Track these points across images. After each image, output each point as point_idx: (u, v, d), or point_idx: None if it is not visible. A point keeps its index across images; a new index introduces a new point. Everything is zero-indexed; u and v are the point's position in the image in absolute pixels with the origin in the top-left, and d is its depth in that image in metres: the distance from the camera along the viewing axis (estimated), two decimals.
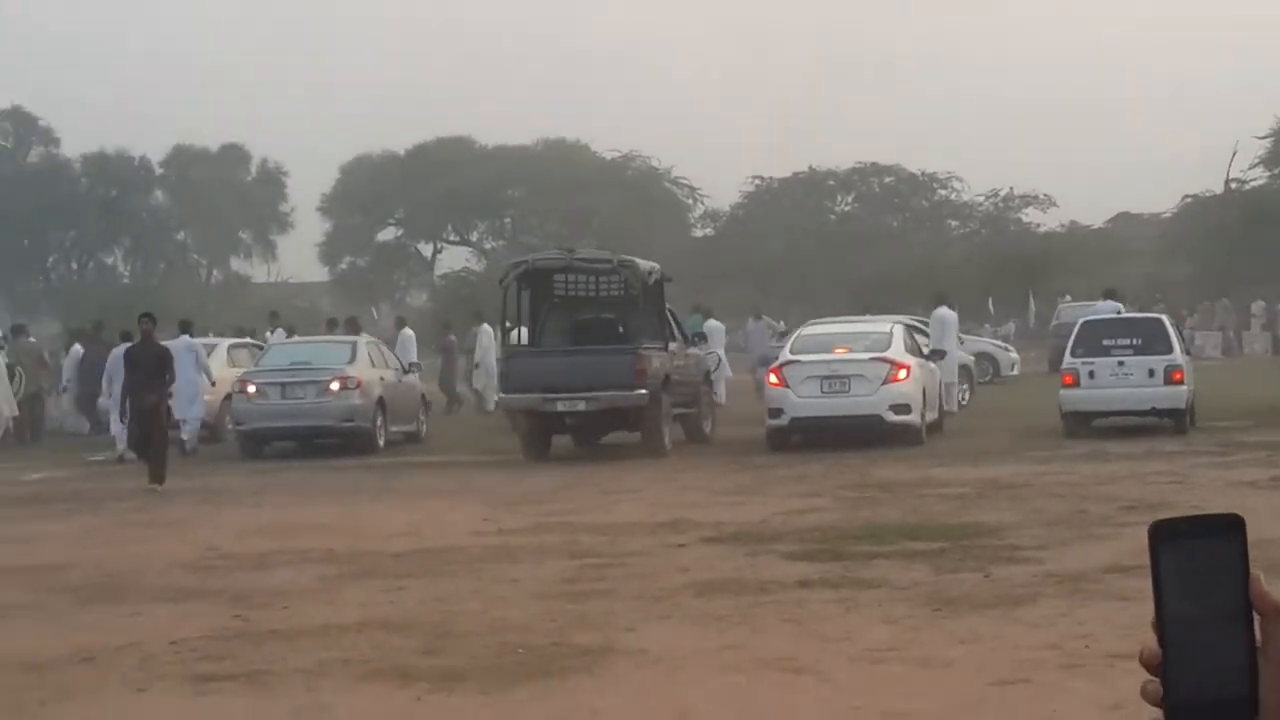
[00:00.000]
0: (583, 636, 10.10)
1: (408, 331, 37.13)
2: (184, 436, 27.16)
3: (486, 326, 36.18)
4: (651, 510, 16.80)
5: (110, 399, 26.68)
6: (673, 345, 25.21)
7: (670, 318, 26.08)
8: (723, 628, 10.32)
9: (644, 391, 22.89)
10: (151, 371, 21.09)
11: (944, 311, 30.46)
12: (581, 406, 23.29)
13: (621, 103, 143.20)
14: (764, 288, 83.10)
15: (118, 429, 25.43)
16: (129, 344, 23.27)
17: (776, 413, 23.51)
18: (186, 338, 28.12)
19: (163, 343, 22.86)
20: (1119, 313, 29.40)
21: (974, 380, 33.75)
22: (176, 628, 10.81)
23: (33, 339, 34.34)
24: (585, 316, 25.24)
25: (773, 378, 23.76)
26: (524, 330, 25.54)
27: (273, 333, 35.60)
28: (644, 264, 25.03)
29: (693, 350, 26.90)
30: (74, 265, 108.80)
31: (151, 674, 9.45)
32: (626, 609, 11.03)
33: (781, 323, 63.46)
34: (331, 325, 36.71)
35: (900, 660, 9.29)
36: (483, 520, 16.41)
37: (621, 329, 24.55)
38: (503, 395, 24.95)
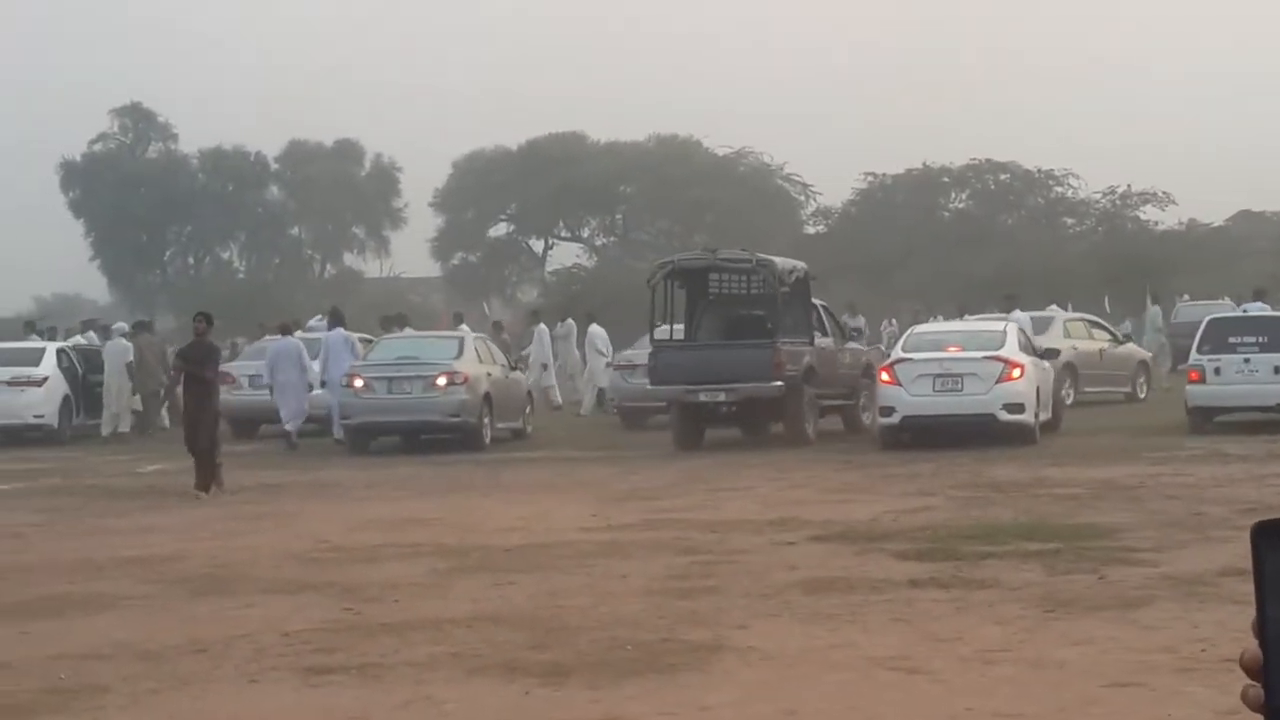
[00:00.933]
0: (692, 633, 10.07)
1: (543, 327, 37.35)
2: (289, 429, 27.50)
3: (543, 326, 36.62)
4: (761, 508, 16.75)
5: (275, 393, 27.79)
6: (822, 340, 26.31)
7: (823, 313, 27.29)
8: (832, 626, 10.25)
9: (780, 383, 24.00)
10: (200, 371, 20.23)
11: (1047, 312, 30.56)
12: (722, 397, 24.66)
13: (734, 99, 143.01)
14: (875, 285, 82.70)
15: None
16: (189, 343, 22.24)
17: (888, 411, 23.39)
18: (291, 338, 28.56)
19: (272, 341, 23.09)
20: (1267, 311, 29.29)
21: (1151, 373, 33.63)
22: (288, 619, 10.90)
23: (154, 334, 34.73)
24: (732, 312, 26.73)
25: (885, 376, 23.63)
26: (669, 326, 26.48)
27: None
28: (783, 263, 26.37)
29: (852, 345, 28.27)
30: (190, 260, 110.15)
31: (263, 665, 9.53)
32: (735, 606, 10.99)
33: (894, 321, 63.15)
34: (456, 320, 36.84)
35: (1012, 661, 9.19)
36: (592, 516, 16.43)
37: (765, 324, 25.54)
38: (651, 387, 26.03)
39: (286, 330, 29.24)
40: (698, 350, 25.56)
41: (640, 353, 30.64)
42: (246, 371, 30.54)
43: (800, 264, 27.06)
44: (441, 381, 25.76)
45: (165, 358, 33.22)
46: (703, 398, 24.72)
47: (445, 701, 8.57)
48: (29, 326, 38.98)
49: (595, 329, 36.62)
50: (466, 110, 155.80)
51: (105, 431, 30.40)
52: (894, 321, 64.67)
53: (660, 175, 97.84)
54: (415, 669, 9.29)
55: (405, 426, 26.35)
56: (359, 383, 26.00)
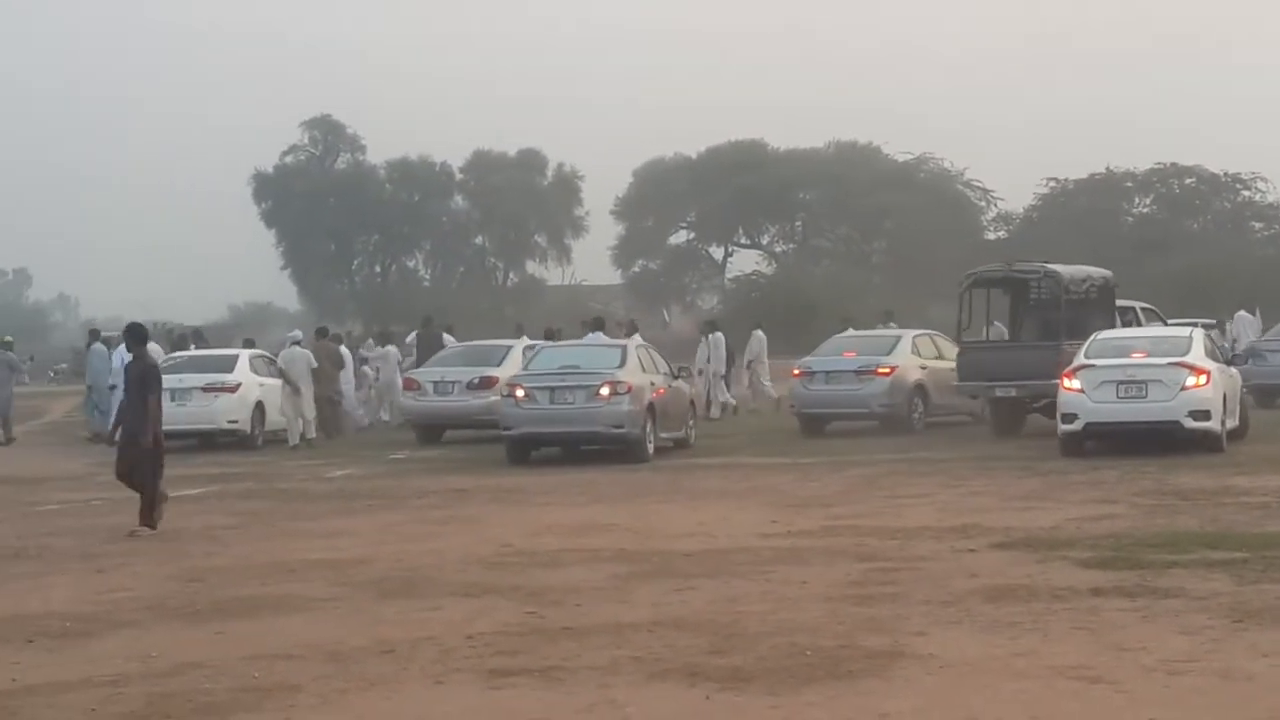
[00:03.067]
0: (871, 640, 10.09)
1: (719, 335, 37.41)
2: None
3: (719, 335, 37.34)
4: (940, 515, 16.67)
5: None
6: None
7: (1140, 314, 30.33)
8: (1014, 634, 10.20)
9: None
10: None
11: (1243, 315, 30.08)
12: (1014, 392, 27.38)
13: (915, 105, 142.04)
14: None
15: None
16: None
17: (1070, 418, 23.12)
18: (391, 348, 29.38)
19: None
20: None
21: None
22: (472, 622, 11.08)
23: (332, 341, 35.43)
24: (1035, 316, 29.67)
25: (1067, 382, 23.35)
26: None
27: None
28: (1071, 271, 28.89)
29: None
30: (377, 269, 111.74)
31: (448, 667, 9.70)
32: (915, 613, 10.98)
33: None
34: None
35: (1199, 672, 9.08)
36: (771, 522, 16.46)
37: (1059, 327, 27.58)
38: (958, 384, 28.29)
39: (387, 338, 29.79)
40: (995, 350, 29.04)
41: (820, 359, 30.64)
42: (430, 378, 31.00)
43: (1099, 272, 29.71)
44: (605, 391, 25.06)
45: (340, 362, 33.94)
46: (998, 393, 27.65)
47: (626, 705, 8.67)
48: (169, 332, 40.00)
49: (758, 334, 36.77)
50: (647, 119, 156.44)
51: (293, 442, 31.04)
52: None
53: (840, 182, 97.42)
54: (597, 673, 9.40)
55: (567, 438, 25.84)
56: (520, 392, 25.47)
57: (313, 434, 31.22)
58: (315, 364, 31.36)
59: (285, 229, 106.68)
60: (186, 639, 10.85)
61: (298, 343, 32.72)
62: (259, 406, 31.14)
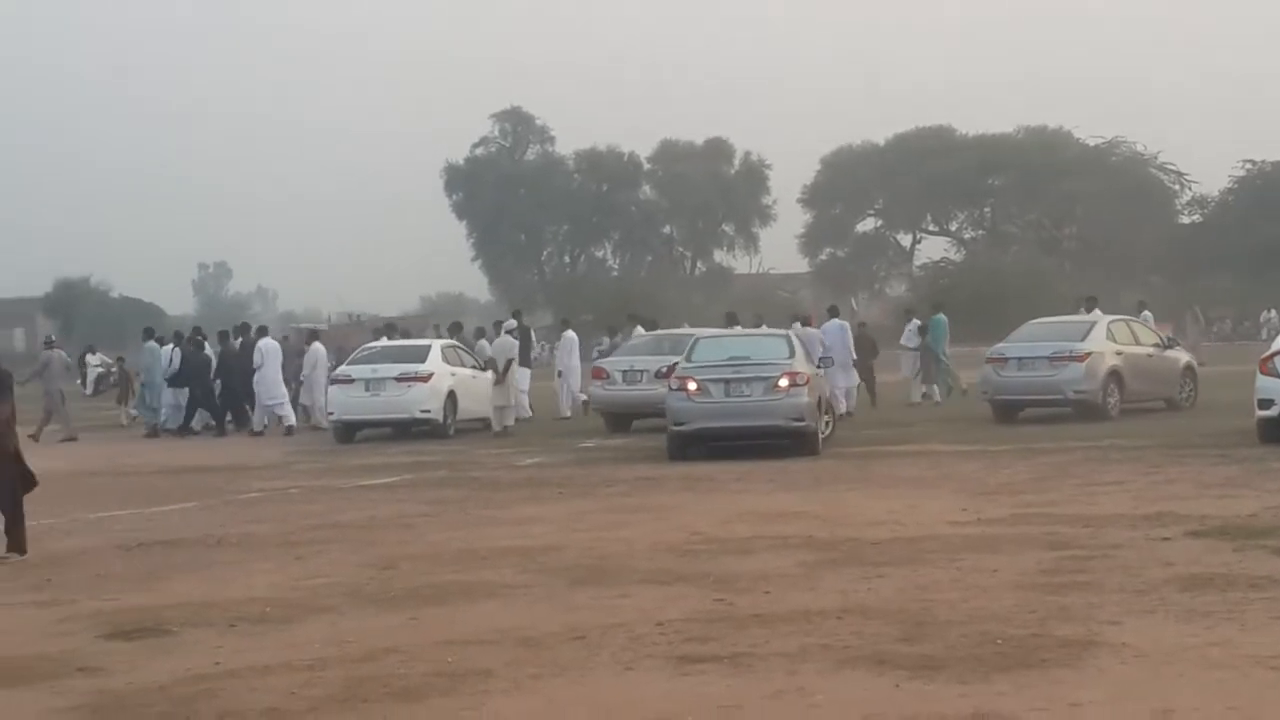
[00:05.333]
0: (1063, 629, 9.98)
1: (917, 321, 37.24)
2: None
3: (917, 321, 36.85)
4: (1134, 503, 16.42)
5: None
6: None
7: None
8: (1209, 624, 10.03)
9: None
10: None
11: None
12: None
13: (1106, 88, 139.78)
14: (1259, 275, 79.71)
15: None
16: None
17: (1267, 404, 22.61)
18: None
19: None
20: None
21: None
22: (662, 609, 11.15)
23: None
24: None
25: (1264, 367, 22.83)
26: None
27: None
28: None
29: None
30: (566, 259, 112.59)
31: (638, 653, 9.78)
32: (1108, 602, 10.84)
33: (1274, 311, 60.84)
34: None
35: None
36: (961, 510, 16.34)
37: None
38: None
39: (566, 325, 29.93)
40: None
41: (1014, 345, 30.26)
42: (619, 367, 31.19)
43: None
44: (784, 383, 24.11)
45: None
46: None
47: (815, 692, 8.68)
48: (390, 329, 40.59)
49: (940, 318, 36.44)
50: (834, 106, 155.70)
51: (497, 428, 31.53)
52: (1275, 312, 62.37)
53: (1029, 167, 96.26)
54: (786, 659, 9.42)
55: (744, 432, 24.40)
56: (692, 385, 24.27)
57: (511, 421, 31.68)
58: (514, 355, 32.00)
59: (476, 220, 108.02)
60: (382, 624, 11.05)
61: (510, 332, 33.28)
62: (451, 396, 31.60)
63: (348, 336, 53.85)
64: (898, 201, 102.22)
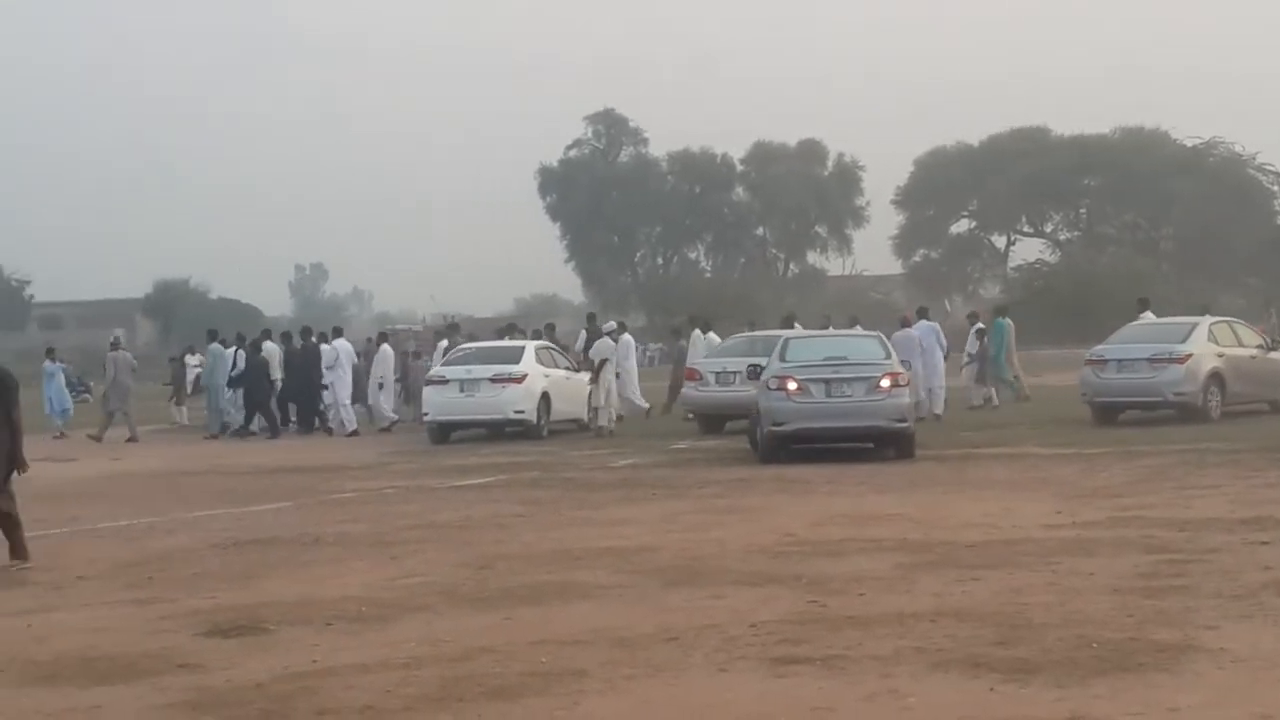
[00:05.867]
0: (1160, 633, 9.90)
1: (980, 325, 36.90)
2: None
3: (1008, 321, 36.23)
4: (1231, 506, 16.24)
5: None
6: None
7: None
8: None
9: None
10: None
11: None
12: None
13: (1203, 88, 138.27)
14: None
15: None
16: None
17: None
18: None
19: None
20: None
21: None
22: (755, 611, 11.14)
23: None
24: None
25: None
26: None
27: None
28: None
29: None
30: (659, 260, 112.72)
31: (732, 654, 9.78)
32: (1206, 606, 10.73)
33: None
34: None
35: None
36: (1056, 513, 16.22)
37: None
38: None
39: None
40: None
41: (1113, 347, 29.96)
42: (712, 368, 31.19)
43: None
44: (886, 384, 23.83)
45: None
46: None
47: (909, 695, 8.65)
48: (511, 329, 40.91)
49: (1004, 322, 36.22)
50: (927, 107, 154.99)
51: (603, 420, 31.75)
52: None
53: (1125, 168, 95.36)
54: (880, 662, 9.40)
55: (845, 433, 24.04)
56: (792, 385, 23.81)
57: (609, 422, 31.81)
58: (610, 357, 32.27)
59: (569, 222, 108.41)
60: (476, 624, 11.11)
61: (611, 333, 33.58)
62: (545, 397, 31.72)
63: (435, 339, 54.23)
64: (992, 203, 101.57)
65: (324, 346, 36.56)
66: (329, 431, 35.51)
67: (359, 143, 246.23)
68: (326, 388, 36.13)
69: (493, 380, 31.36)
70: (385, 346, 37.05)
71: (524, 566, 13.78)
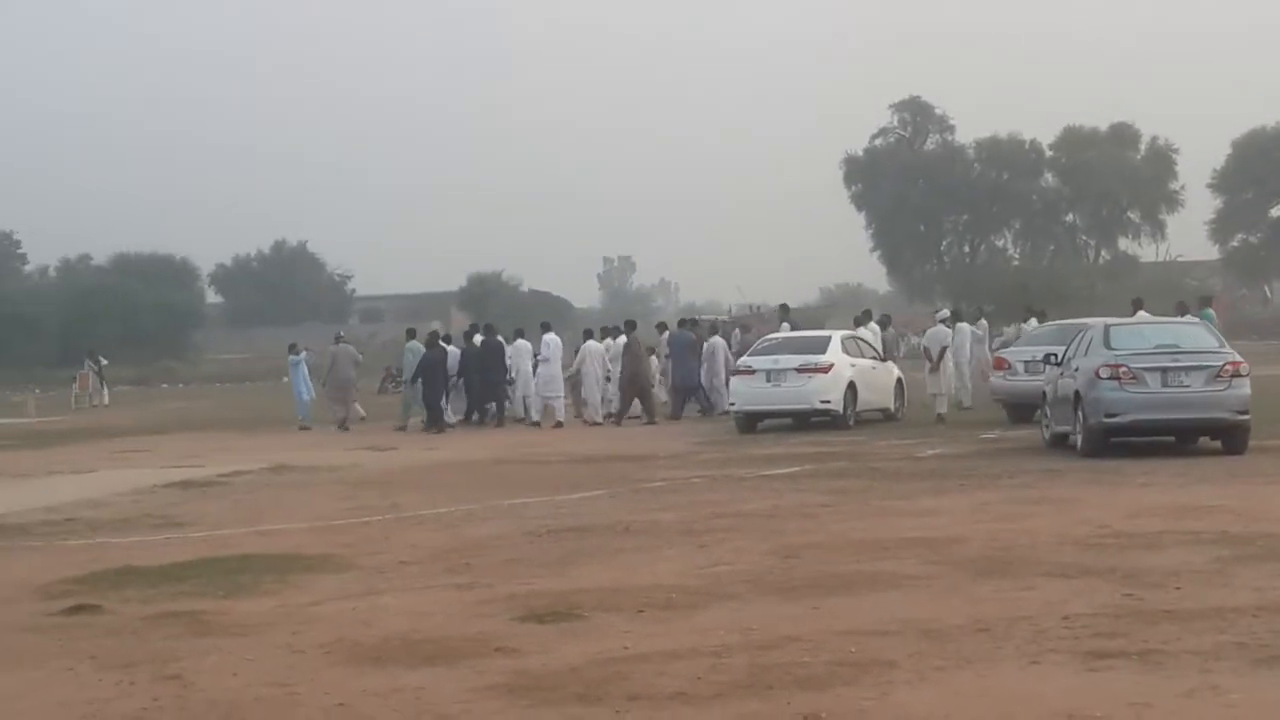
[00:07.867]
0: None
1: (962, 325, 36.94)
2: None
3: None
4: None
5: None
6: None
7: None
8: None
9: None
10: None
11: None
12: None
13: None
14: None
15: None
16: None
17: None
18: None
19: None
20: None
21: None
22: (1068, 603, 10.98)
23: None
24: None
25: None
26: None
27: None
28: None
29: None
30: (965, 249, 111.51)
31: (1043, 647, 9.65)
32: None
33: None
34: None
35: None
36: None
37: None
38: None
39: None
40: None
41: None
42: (1021, 357, 30.78)
43: None
44: (1228, 373, 22.61)
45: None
46: None
47: (1231, 692, 8.44)
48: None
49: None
50: (1246, 87, 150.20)
51: (939, 410, 32.55)
52: None
53: None
54: (1199, 658, 9.18)
55: (1184, 425, 23.07)
56: (1126, 374, 22.57)
57: (945, 410, 32.12)
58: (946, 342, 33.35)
59: (874, 211, 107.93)
60: (784, 613, 11.15)
61: (944, 320, 33.78)
62: (851, 387, 31.66)
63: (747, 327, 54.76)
64: None
65: (518, 342, 38.56)
66: (500, 423, 37.45)
67: (667, 140, 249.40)
68: (511, 382, 37.94)
69: (799, 370, 31.43)
70: (716, 338, 38.22)
71: (831, 556, 13.79)
